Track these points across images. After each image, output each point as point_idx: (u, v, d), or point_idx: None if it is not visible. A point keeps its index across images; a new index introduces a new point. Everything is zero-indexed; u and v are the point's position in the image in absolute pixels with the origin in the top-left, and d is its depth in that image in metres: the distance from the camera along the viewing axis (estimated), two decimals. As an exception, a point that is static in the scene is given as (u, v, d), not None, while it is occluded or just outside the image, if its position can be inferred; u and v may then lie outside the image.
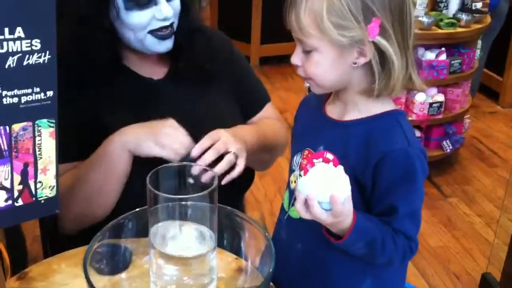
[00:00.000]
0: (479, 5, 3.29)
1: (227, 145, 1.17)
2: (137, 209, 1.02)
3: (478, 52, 3.40)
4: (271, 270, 0.92)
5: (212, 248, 0.98)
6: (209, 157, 1.13)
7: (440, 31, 3.05)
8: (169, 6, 1.19)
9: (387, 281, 1.17)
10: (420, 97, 3.12)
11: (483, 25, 3.20)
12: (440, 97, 3.16)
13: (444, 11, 3.24)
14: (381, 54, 0.98)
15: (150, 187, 0.94)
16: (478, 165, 3.49)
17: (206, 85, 1.35)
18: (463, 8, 3.23)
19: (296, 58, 1.04)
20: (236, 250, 1.10)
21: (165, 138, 1.16)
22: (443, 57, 3.09)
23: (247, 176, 1.40)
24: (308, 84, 1.12)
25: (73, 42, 1.19)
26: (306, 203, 0.95)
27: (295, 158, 1.18)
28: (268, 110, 1.48)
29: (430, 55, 3.11)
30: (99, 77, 1.23)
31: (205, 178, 1.06)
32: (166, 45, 1.23)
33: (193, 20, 1.31)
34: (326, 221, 0.95)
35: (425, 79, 3.14)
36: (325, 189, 0.93)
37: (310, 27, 0.97)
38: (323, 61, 1.01)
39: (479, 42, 3.42)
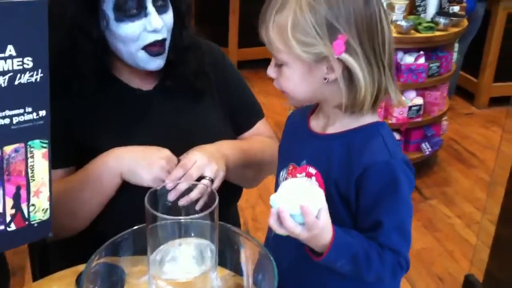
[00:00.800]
0: (456, 8, 3.33)
1: (201, 170, 1.15)
2: (134, 228, 1.00)
3: (455, 55, 3.43)
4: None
5: (212, 267, 0.96)
6: (182, 187, 1.10)
7: (418, 35, 3.07)
8: (159, 18, 1.15)
9: None
10: (399, 101, 3.13)
11: (460, 29, 3.24)
12: (419, 100, 3.18)
13: (422, 15, 3.27)
14: (349, 70, 0.96)
15: (148, 207, 0.91)
16: (456, 167, 3.53)
17: (196, 99, 1.33)
18: (441, 12, 3.26)
19: (271, 71, 1.03)
20: (234, 267, 1.08)
21: (159, 172, 1.14)
22: (421, 60, 3.11)
23: (235, 189, 1.38)
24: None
25: (61, 50, 1.15)
26: (279, 218, 0.93)
27: (281, 173, 1.15)
28: (260, 127, 1.45)
29: (409, 59, 3.13)
30: (86, 84, 1.19)
31: (182, 202, 1.07)
32: (157, 63, 1.20)
33: (187, 37, 1.28)
34: (301, 235, 0.93)
35: (405, 83, 3.17)
36: (295, 201, 0.91)
37: (278, 42, 0.96)
38: (293, 76, 0.99)
39: (456, 45, 3.45)
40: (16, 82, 0.84)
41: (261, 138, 1.42)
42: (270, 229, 1.17)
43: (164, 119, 1.28)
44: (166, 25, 1.18)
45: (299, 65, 0.98)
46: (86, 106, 1.22)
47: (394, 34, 3.14)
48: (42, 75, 0.86)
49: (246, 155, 1.31)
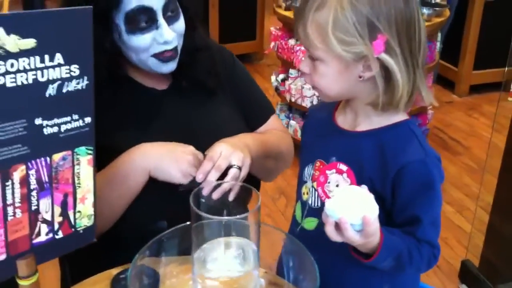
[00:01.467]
0: (438, -3, 3.39)
1: (228, 159, 1.16)
2: (177, 227, 1.01)
3: (438, 44, 3.49)
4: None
5: (255, 266, 0.97)
6: (213, 177, 1.13)
7: (404, 26, 3.11)
8: (170, 30, 1.16)
9: (404, 284, 1.19)
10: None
11: (443, 18, 3.29)
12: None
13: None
14: (386, 69, 0.98)
15: (193, 207, 0.92)
16: (442, 154, 3.56)
17: (209, 97, 1.34)
18: (424, 2, 3.31)
19: (304, 66, 1.04)
20: (268, 265, 1.09)
21: (187, 167, 1.15)
22: (408, 51, 3.15)
23: (254, 185, 1.40)
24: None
25: None
26: (336, 226, 0.95)
27: (306, 169, 1.17)
28: (272, 122, 1.47)
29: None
30: (102, 85, 1.20)
31: (215, 195, 1.07)
32: (169, 67, 1.21)
33: (198, 39, 1.30)
34: (358, 242, 0.95)
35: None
36: (357, 212, 0.93)
37: (316, 39, 0.97)
38: (328, 73, 1.01)
39: (439, 34, 3.51)
40: (64, 90, 0.84)
41: (275, 131, 1.44)
42: (295, 224, 1.18)
43: (179, 118, 1.29)
44: (178, 33, 1.20)
45: (335, 62, 0.99)
46: (102, 105, 1.22)
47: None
48: (87, 82, 0.86)
49: (266, 146, 1.33)
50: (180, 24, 1.22)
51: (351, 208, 0.93)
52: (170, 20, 1.18)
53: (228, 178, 1.13)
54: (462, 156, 3.57)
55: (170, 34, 1.17)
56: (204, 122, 1.32)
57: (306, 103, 3.34)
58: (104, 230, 1.21)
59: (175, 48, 1.21)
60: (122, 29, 1.16)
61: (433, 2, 3.37)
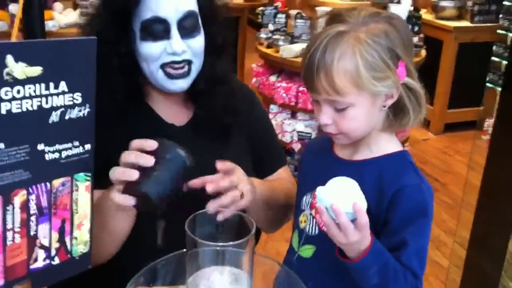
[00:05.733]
0: (415, 39, 3.49)
1: (239, 182, 1.13)
2: (172, 254, 1.02)
3: (415, 83, 3.58)
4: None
5: (249, 294, 0.99)
6: (223, 184, 1.08)
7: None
8: (182, 42, 1.17)
9: None
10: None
11: (420, 59, 3.40)
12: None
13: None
14: (409, 90, 1.04)
15: (189, 233, 0.94)
16: (420, 191, 3.65)
17: (225, 139, 1.32)
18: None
19: (326, 118, 1.04)
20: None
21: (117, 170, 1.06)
22: (386, 89, 3.23)
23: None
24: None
25: None
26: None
27: (304, 198, 1.19)
28: (282, 173, 1.44)
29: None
30: (120, 114, 1.19)
31: (211, 205, 1.04)
32: (177, 86, 1.21)
33: (220, 69, 1.29)
34: (352, 233, 0.95)
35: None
36: (347, 199, 0.94)
37: (347, 86, 0.99)
38: (358, 115, 1.03)
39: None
40: (67, 117, 0.86)
41: (285, 182, 1.42)
42: (292, 253, 1.20)
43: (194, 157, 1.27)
44: (192, 50, 1.19)
45: (365, 102, 1.02)
46: (121, 135, 1.21)
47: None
48: (89, 110, 0.88)
49: (271, 194, 1.30)
50: (196, 42, 1.21)
51: (342, 196, 0.94)
52: (184, 35, 1.18)
53: (227, 196, 1.07)
54: (439, 193, 3.63)
55: (180, 45, 1.17)
56: (213, 163, 1.28)
57: (287, 138, 3.38)
58: (103, 261, 1.16)
59: (187, 64, 1.20)
60: (137, 35, 1.17)
61: (410, 42, 3.47)
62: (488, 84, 4.52)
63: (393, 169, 1.08)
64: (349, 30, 0.99)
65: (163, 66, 1.18)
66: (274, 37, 3.60)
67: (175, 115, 1.29)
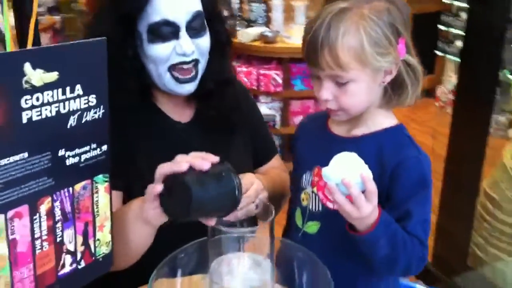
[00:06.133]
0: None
1: (258, 193, 1.16)
2: (194, 242, 1.03)
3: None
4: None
5: (271, 279, 1.01)
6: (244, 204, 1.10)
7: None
8: (191, 42, 1.17)
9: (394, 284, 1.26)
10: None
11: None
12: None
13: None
14: (408, 66, 1.08)
15: None
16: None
17: (230, 133, 1.34)
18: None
19: (328, 93, 1.07)
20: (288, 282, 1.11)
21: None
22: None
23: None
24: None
25: None
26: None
27: (304, 176, 1.22)
28: (275, 161, 1.48)
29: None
30: (131, 113, 1.19)
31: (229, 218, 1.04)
32: (185, 89, 1.21)
33: (226, 68, 1.31)
34: (364, 208, 0.97)
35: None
36: (354, 171, 0.97)
37: (351, 62, 1.01)
38: (359, 91, 1.06)
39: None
40: (83, 120, 0.85)
41: (279, 171, 1.46)
42: (295, 230, 1.23)
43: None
44: (200, 49, 1.19)
45: (366, 78, 1.05)
46: (134, 134, 1.21)
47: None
48: (103, 111, 0.88)
49: (274, 189, 1.33)
50: (204, 41, 1.21)
51: (348, 170, 0.97)
52: (193, 35, 1.18)
53: (243, 211, 1.10)
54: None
55: (189, 46, 1.17)
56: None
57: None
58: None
59: (195, 64, 1.20)
60: (144, 38, 1.16)
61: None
62: (437, 52, 4.68)
63: (392, 143, 1.11)
64: (351, 6, 1.02)
65: (171, 69, 1.18)
66: (230, 22, 3.60)
67: (180, 113, 1.30)
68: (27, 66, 0.75)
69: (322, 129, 1.21)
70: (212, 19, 1.25)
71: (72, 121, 0.84)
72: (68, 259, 0.89)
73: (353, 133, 1.15)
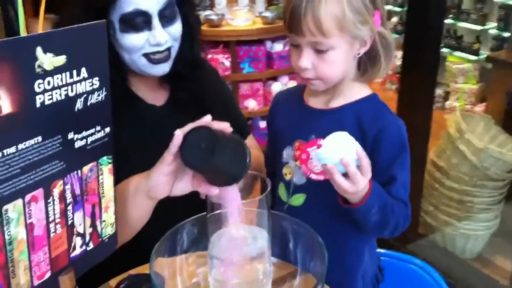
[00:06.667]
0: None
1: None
2: (193, 217, 1.05)
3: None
4: (324, 271, 1.00)
5: (267, 250, 1.05)
6: None
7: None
8: (164, 32, 1.19)
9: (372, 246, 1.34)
10: (276, 87, 3.37)
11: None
12: (293, 83, 3.44)
13: (280, 5, 3.53)
14: (383, 39, 1.14)
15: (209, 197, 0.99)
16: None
17: (204, 116, 1.36)
18: None
19: (307, 61, 1.10)
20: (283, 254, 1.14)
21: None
22: (290, 46, 3.37)
23: None
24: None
25: None
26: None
27: (285, 151, 1.26)
28: (249, 141, 1.50)
29: (278, 47, 3.37)
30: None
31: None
32: (161, 69, 1.23)
33: (197, 51, 1.32)
34: (360, 183, 1.03)
35: (278, 69, 3.40)
36: (349, 149, 1.01)
37: (332, 28, 1.06)
38: (337, 59, 1.10)
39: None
40: (89, 103, 0.86)
41: (254, 150, 1.49)
42: (280, 204, 1.27)
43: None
44: (172, 36, 1.22)
45: (344, 46, 1.09)
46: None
47: (261, 25, 3.36)
48: (106, 93, 0.89)
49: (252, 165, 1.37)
50: (176, 28, 1.23)
51: (342, 149, 1.01)
52: (165, 23, 1.19)
53: None
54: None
55: (163, 36, 1.18)
56: None
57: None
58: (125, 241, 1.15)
59: (168, 50, 1.22)
60: (116, 28, 1.17)
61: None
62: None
63: (370, 112, 1.17)
64: None
65: (145, 54, 1.20)
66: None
67: (154, 96, 1.32)
68: (39, 51, 0.76)
69: (298, 104, 1.25)
70: (182, 3, 1.27)
71: (79, 104, 0.84)
72: (78, 241, 0.90)
73: (331, 105, 1.20)
